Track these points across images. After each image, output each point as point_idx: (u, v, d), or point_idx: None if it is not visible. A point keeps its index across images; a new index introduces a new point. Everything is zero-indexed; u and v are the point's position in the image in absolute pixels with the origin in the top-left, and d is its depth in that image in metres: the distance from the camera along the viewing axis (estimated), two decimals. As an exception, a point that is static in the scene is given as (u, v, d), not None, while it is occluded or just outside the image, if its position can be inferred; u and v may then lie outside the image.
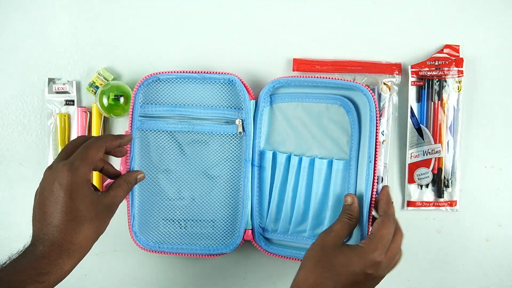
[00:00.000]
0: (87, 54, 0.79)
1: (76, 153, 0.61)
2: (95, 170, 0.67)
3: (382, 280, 0.78)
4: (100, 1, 0.79)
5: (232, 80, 0.73)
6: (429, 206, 0.77)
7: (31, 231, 0.61)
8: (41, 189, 0.61)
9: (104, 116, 0.78)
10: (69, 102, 0.79)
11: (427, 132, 0.76)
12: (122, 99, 0.76)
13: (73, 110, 0.79)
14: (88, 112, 0.79)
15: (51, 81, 0.79)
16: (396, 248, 0.63)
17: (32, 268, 0.56)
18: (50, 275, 0.57)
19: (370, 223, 0.72)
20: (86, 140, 0.64)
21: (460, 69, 0.76)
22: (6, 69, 0.80)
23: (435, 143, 0.76)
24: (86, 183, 0.60)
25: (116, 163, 0.79)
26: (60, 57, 0.79)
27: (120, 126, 0.80)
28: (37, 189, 0.63)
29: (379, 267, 0.60)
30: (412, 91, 0.77)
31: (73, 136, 0.79)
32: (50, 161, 0.79)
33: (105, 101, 0.75)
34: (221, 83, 0.74)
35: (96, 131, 0.78)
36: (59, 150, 0.78)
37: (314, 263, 0.62)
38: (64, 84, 0.79)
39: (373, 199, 0.71)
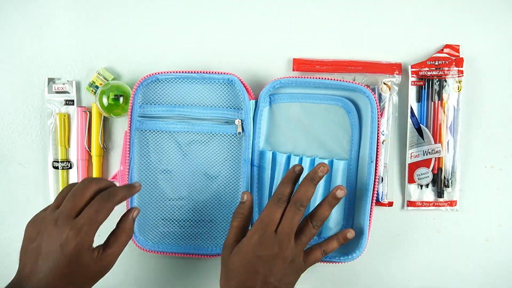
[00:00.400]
0: (87, 54, 0.79)
1: (86, 217, 0.58)
2: None
3: (381, 280, 0.79)
4: (100, 1, 0.79)
5: (232, 80, 0.73)
6: (429, 206, 0.77)
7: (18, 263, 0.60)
8: (40, 238, 0.58)
9: (104, 116, 0.78)
10: (69, 102, 0.79)
11: (427, 132, 0.76)
12: (122, 99, 0.76)
13: (73, 110, 0.79)
14: (88, 112, 0.79)
15: (51, 81, 0.79)
16: (287, 223, 0.62)
17: None
18: None
19: (371, 223, 0.72)
20: (97, 192, 0.60)
21: (460, 69, 0.76)
22: (6, 69, 0.80)
23: (435, 143, 0.76)
24: (88, 249, 0.58)
25: (116, 161, 0.79)
26: (60, 57, 0.79)
27: (120, 126, 0.80)
28: (32, 223, 0.61)
29: (268, 247, 0.61)
30: (412, 91, 0.77)
31: (73, 136, 0.79)
32: (50, 161, 0.79)
33: (105, 101, 0.75)
34: (221, 83, 0.74)
35: (96, 131, 0.78)
36: (59, 150, 0.78)
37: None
38: (64, 84, 0.79)
39: (374, 199, 0.71)
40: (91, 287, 0.61)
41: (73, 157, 0.79)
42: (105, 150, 0.79)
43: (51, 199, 0.79)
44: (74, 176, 0.79)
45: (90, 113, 0.79)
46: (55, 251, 0.56)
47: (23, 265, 0.58)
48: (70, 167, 0.79)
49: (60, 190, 0.78)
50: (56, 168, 0.79)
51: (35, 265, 0.57)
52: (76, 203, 0.59)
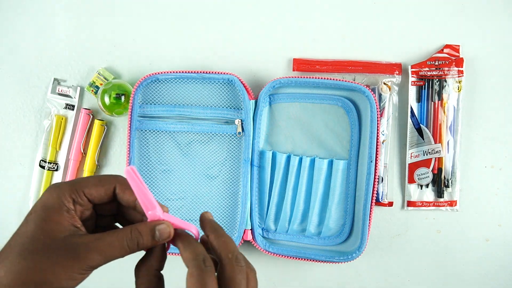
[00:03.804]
0: (87, 54, 0.79)
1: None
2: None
3: (381, 280, 0.79)
4: (100, 1, 0.79)
5: (232, 80, 0.73)
6: (429, 206, 0.77)
7: None
8: None
9: (103, 132, 0.78)
10: (69, 107, 0.79)
11: (427, 132, 0.76)
12: (123, 98, 0.75)
13: (71, 114, 0.79)
14: (91, 115, 0.78)
15: (56, 80, 0.79)
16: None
17: None
18: None
19: (371, 223, 0.72)
20: None
21: (460, 69, 0.76)
22: (6, 69, 0.80)
23: (435, 143, 0.76)
24: (53, 209, 0.40)
25: (107, 171, 0.79)
26: (60, 57, 0.79)
27: (121, 126, 0.80)
28: None
29: None
30: (412, 91, 0.77)
31: (66, 140, 0.79)
32: (37, 158, 0.79)
33: (106, 99, 0.75)
34: (221, 83, 0.74)
35: (93, 148, 0.78)
36: (49, 151, 0.78)
37: None
38: (68, 87, 0.79)
39: (374, 198, 0.72)
40: (39, 272, 0.39)
41: (60, 160, 0.79)
42: (98, 167, 0.79)
43: (30, 195, 0.79)
44: (59, 179, 0.79)
45: (93, 116, 0.79)
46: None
47: None
48: (56, 169, 0.79)
49: (42, 190, 0.78)
50: (42, 167, 0.78)
51: None
52: None
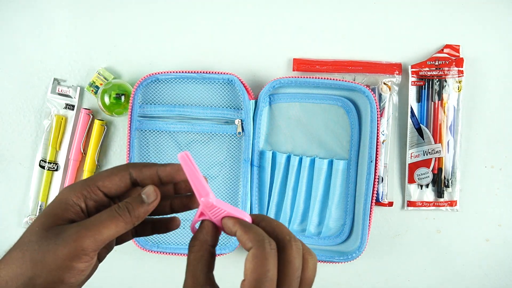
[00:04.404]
0: (87, 54, 0.79)
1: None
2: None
3: (381, 280, 0.79)
4: (100, 1, 0.79)
5: (232, 80, 0.73)
6: (429, 206, 0.77)
7: None
8: None
9: (103, 133, 0.78)
10: (69, 106, 0.79)
11: (427, 132, 0.76)
12: (123, 98, 0.75)
13: (71, 114, 0.79)
14: (91, 115, 0.78)
15: (56, 80, 0.79)
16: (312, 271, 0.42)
17: None
18: None
19: (371, 223, 0.72)
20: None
21: (460, 69, 0.76)
22: (6, 69, 0.80)
23: (435, 143, 0.76)
24: (58, 205, 0.41)
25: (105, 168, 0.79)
26: (60, 57, 0.79)
27: (121, 126, 0.80)
28: None
29: None
30: (412, 91, 0.77)
31: (66, 140, 0.79)
32: (37, 158, 0.79)
33: (106, 99, 0.75)
34: (221, 83, 0.74)
35: (93, 148, 0.78)
36: (49, 151, 0.78)
37: None
38: (68, 87, 0.79)
39: (374, 198, 0.72)
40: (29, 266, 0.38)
41: (61, 160, 0.79)
42: (98, 167, 0.79)
43: (30, 195, 0.79)
44: (59, 179, 0.79)
45: (93, 116, 0.79)
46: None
47: None
48: (56, 169, 0.79)
49: (42, 190, 0.78)
50: (42, 167, 0.78)
51: None
52: None
